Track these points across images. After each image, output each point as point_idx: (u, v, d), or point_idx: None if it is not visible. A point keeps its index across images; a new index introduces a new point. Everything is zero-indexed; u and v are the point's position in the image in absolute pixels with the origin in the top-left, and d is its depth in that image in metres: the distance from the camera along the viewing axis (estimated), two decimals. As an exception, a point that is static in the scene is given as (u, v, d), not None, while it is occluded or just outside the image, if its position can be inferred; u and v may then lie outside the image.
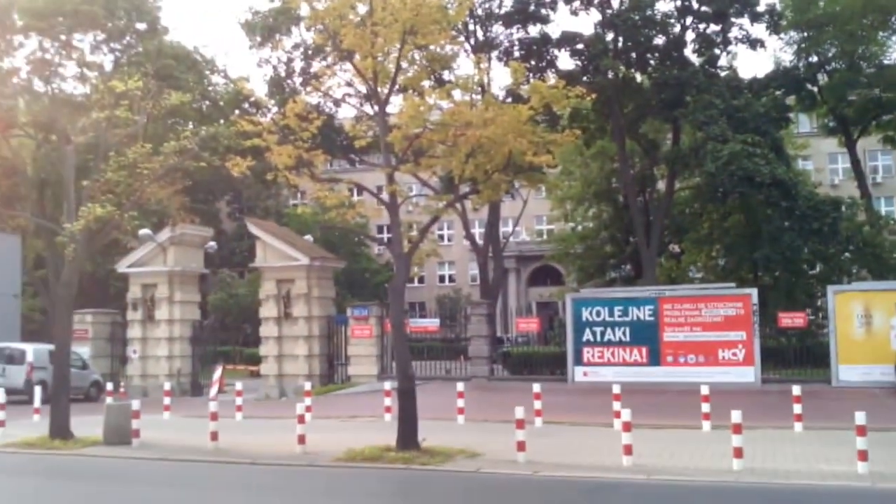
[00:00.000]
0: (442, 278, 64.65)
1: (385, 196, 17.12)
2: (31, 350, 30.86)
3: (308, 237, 36.92)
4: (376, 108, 17.32)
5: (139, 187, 19.40)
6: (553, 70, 35.17)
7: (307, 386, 24.16)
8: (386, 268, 57.19)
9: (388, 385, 22.49)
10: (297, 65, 36.98)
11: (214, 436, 17.66)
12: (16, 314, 37.81)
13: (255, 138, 16.93)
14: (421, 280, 65.06)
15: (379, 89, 16.85)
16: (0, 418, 20.59)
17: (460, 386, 21.65)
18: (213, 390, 31.04)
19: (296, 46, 36.85)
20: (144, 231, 32.18)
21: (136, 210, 19.57)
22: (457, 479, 14.26)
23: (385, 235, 63.68)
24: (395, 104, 18.28)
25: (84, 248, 19.39)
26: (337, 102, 31.93)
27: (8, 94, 42.89)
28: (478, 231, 49.81)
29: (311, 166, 16.90)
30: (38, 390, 23.90)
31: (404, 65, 16.70)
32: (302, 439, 16.83)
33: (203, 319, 36.28)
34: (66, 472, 15.96)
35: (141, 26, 40.16)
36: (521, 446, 15.16)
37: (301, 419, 17.07)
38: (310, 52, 35.70)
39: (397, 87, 17.12)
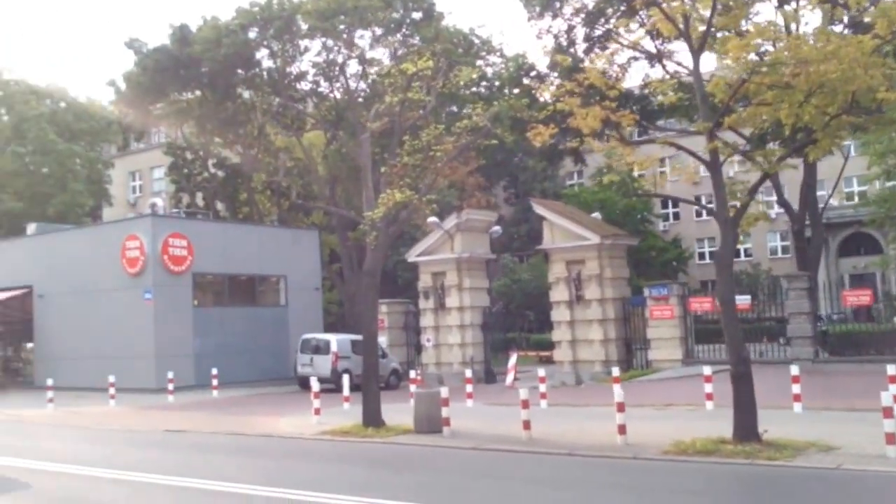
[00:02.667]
0: (736, 253, 60.59)
1: (704, 154, 15.27)
2: (335, 340, 31.79)
3: (596, 215, 35.38)
4: (672, 62, 15.58)
5: (434, 170, 18.83)
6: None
7: (615, 371, 22.77)
8: (673, 245, 54.49)
9: (707, 370, 20.51)
10: (579, 32, 35.31)
11: (527, 425, 16.70)
12: (318, 307, 39.35)
13: (555, 104, 15.68)
14: (712, 256, 61.53)
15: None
16: (315, 406, 20.88)
17: (794, 370, 19.27)
18: (510, 377, 30.44)
19: (576, 12, 35.19)
20: (432, 219, 32.11)
21: (433, 193, 18.97)
22: (815, 477, 12.30)
23: (671, 210, 61.32)
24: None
25: (385, 235, 19.13)
26: (623, 67, 30.10)
27: (298, 98, 44.96)
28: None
29: (619, 128, 15.35)
30: (346, 379, 24.17)
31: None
32: (622, 429, 15.44)
33: (491, 306, 35.81)
34: (384, 460, 15.60)
35: (417, 15, 40.43)
36: (890, 439, 12.86)
37: (621, 407, 15.67)
38: (591, 15, 33.83)
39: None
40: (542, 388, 22.47)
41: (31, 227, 41.48)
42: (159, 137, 60.84)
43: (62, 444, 19.10)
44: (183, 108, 44.16)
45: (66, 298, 35.96)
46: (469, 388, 23.68)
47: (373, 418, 18.79)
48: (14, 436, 20.64)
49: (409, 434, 18.05)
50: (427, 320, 34.48)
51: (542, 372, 23.59)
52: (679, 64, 16.77)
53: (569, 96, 15.56)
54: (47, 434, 21.12)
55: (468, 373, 25.19)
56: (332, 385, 28.82)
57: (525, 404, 16.88)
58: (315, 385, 21.30)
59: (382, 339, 34.40)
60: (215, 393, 30.20)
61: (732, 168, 17.00)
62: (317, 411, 20.81)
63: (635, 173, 29.51)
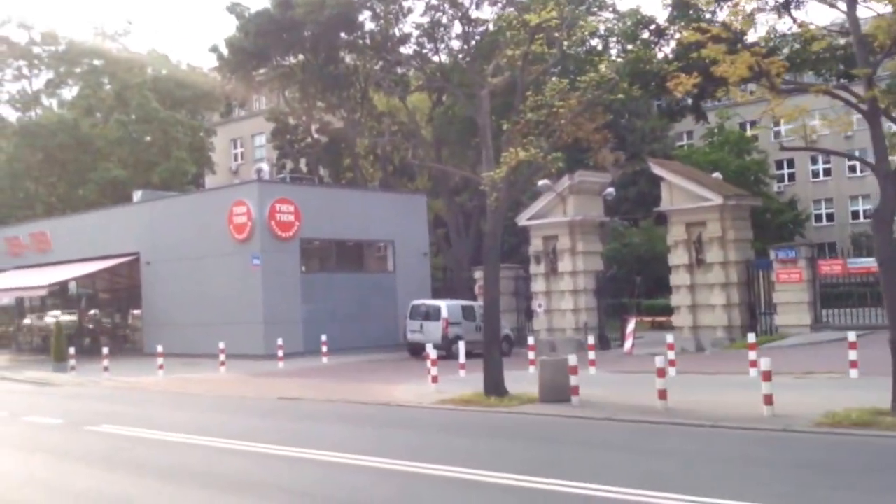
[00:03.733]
0: (855, 214, 57.52)
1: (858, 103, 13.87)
2: (445, 306, 31.13)
3: (716, 174, 33.73)
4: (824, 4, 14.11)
5: (558, 126, 17.77)
6: None
7: (750, 338, 21.49)
8: (789, 206, 52.11)
9: (852, 336, 19.06)
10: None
11: (663, 394, 15.67)
12: (426, 272, 38.67)
13: (699, 52, 14.44)
14: (829, 217, 58.79)
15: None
16: (433, 374, 20.22)
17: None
18: (628, 344, 29.34)
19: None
20: (543, 181, 31.06)
21: (558, 151, 17.92)
22: None
23: (786, 171, 58.67)
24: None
25: (506, 196, 18.25)
26: (749, 20, 28.29)
27: (401, 60, 44.24)
28: None
29: (769, 76, 14.02)
30: (461, 346, 23.39)
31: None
32: (769, 399, 14.34)
33: (604, 270, 34.61)
34: (513, 431, 14.80)
35: (526, -30, 39.07)
36: None
37: (767, 376, 14.52)
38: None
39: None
40: (671, 355, 21.29)
41: (137, 195, 41.70)
42: (260, 104, 61.06)
43: (177, 412, 18.91)
44: (286, 72, 43.95)
45: (173, 265, 36.16)
46: (591, 354, 22.67)
47: (495, 387, 18.01)
48: (128, 404, 20.59)
49: (535, 403, 17.21)
50: (538, 285, 33.51)
51: (669, 338, 22.49)
52: (831, 5, 15.22)
53: (712, 42, 14.31)
54: (161, 402, 21.03)
55: (590, 339, 24.19)
56: (442, 352, 28.16)
57: (661, 373, 15.85)
58: (432, 352, 20.60)
59: (492, 305, 33.70)
60: (325, 360, 29.94)
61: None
62: (434, 379, 20.14)
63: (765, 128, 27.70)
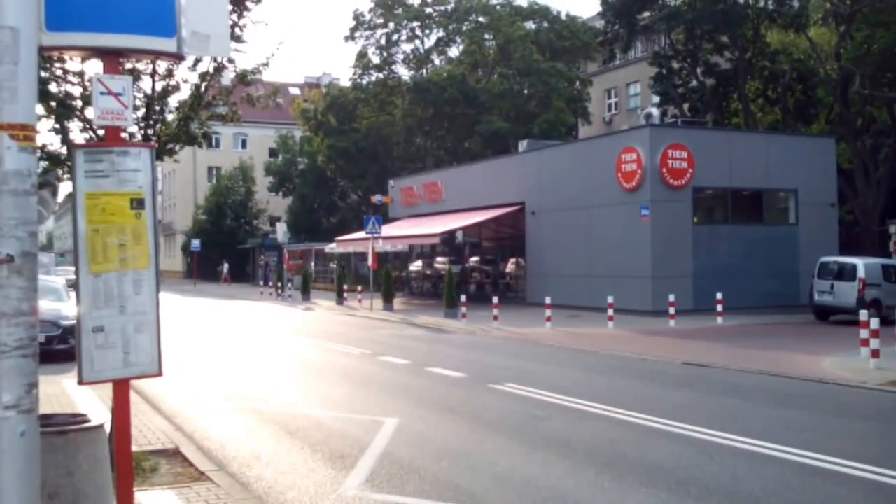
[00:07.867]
0: None
1: None
2: (862, 265, 27.33)
3: None
4: None
5: None
6: None
7: None
8: None
9: None
10: None
11: None
12: (833, 225, 34.42)
13: None
14: None
15: None
16: (873, 346, 17.23)
17: None
18: None
19: None
20: None
21: None
22: None
23: None
24: None
25: None
26: None
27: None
28: None
29: None
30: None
31: None
32: None
33: None
34: None
35: None
36: None
37: None
38: None
39: None
40: None
41: (523, 144, 41.80)
42: (635, 53, 58.87)
43: (580, 373, 17.74)
44: (672, 13, 41.32)
45: (557, 215, 35.42)
46: None
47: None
48: (526, 359, 19.77)
49: None
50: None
51: None
52: None
53: None
54: (558, 359, 19.99)
55: None
56: (855, 317, 24.57)
57: None
58: (874, 322, 17.54)
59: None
60: (719, 320, 27.56)
61: None
62: (875, 353, 17.16)
63: None
